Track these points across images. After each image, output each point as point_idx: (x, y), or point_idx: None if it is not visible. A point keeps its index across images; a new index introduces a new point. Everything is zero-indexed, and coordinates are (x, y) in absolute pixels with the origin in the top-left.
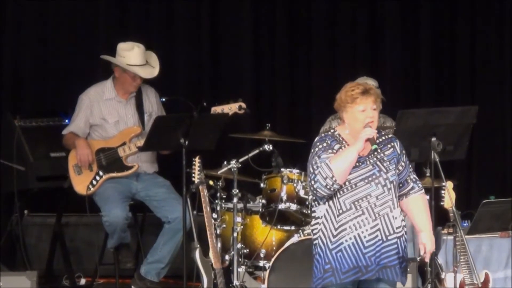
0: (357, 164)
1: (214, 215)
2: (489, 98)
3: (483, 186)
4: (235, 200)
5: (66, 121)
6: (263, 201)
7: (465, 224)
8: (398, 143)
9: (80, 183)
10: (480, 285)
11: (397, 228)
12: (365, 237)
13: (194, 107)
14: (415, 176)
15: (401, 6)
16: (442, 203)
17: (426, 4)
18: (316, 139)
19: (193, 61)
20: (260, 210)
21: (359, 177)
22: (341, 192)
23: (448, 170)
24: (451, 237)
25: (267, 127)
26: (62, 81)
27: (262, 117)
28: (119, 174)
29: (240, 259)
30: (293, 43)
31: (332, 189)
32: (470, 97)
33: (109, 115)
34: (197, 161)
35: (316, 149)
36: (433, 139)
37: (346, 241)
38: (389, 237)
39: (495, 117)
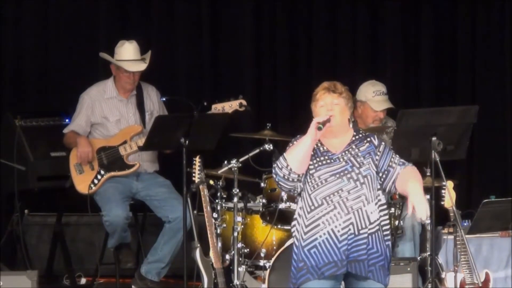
0: (329, 161)
1: (215, 215)
2: (490, 98)
3: (484, 186)
4: (235, 199)
5: (67, 120)
6: (264, 200)
7: (465, 224)
8: (376, 137)
9: (82, 182)
10: (480, 285)
11: (371, 222)
12: (338, 231)
13: (195, 107)
14: (401, 159)
15: (402, 6)
16: (442, 203)
17: (426, 3)
18: (292, 139)
19: (194, 60)
20: (261, 209)
21: (330, 172)
22: (312, 188)
23: (448, 170)
24: (451, 237)
25: (268, 127)
26: (62, 80)
27: (263, 117)
28: (121, 173)
29: (240, 259)
30: (294, 42)
31: (290, 179)
32: (470, 97)
33: (110, 114)
34: (197, 160)
35: (287, 147)
36: (434, 138)
37: (320, 236)
38: (361, 231)
39: (495, 117)
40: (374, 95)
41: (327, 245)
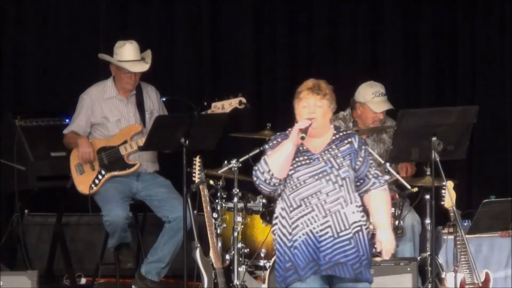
0: (309, 161)
1: (215, 215)
2: (490, 98)
3: (484, 186)
4: (235, 199)
5: (67, 120)
6: (264, 200)
7: (465, 224)
8: (357, 139)
9: (83, 183)
10: (480, 285)
11: (352, 224)
12: (317, 232)
13: (195, 107)
14: (377, 171)
15: (402, 6)
16: (442, 203)
17: (426, 3)
18: (271, 137)
19: (193, 60)
20: (261, 209)
21: (309, 174)
22: (291, 189)
23: (448, 170)
24: (451, 237)
25: (268, 127)
26: (62, 80)
27: (263, 117)
28: (122, 173)
29: (240, 259)
30: (294, 42)
31: (271, 183)
32: (470, 97)
33: (110, 114)
34: (197, 160)
35: (266, 146)
36: (434, 138)
37: (300, 237)
38: (341, 234)
39: (495, 117)
40: (373, 97)
41: (307, 246)
